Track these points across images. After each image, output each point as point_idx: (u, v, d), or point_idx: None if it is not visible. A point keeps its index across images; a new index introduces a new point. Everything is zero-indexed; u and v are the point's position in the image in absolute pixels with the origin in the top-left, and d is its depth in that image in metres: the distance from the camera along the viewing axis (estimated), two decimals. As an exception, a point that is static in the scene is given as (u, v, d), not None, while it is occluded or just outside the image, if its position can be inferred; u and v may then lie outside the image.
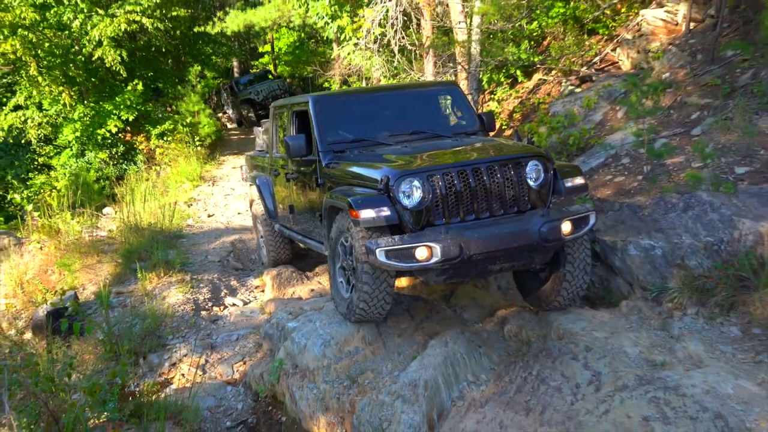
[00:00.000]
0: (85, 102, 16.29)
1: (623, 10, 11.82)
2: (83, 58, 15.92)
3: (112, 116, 16.07)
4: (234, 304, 7.75)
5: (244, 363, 6.29)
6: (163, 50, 19.34)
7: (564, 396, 4.26)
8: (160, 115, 17.69)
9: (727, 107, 7.62)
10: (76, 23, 15.42)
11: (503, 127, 11.57)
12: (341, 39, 14.70)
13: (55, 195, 11.80)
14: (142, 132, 17.24)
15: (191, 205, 13.20)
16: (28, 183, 16.53)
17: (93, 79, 16.80)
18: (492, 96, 12.95)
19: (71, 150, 16.28)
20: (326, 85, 16.81)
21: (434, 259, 4.48)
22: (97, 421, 4.46)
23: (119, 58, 15.31)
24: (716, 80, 8.21)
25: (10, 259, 9.00)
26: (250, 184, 8.58)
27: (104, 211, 12.93)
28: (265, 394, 5.67)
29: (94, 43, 15.36)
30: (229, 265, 9.19)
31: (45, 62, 15.21)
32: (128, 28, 15.66)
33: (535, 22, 12.51)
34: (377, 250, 4.46)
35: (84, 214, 11.11)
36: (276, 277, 7.82)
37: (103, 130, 16.06)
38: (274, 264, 8.22)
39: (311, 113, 6.23)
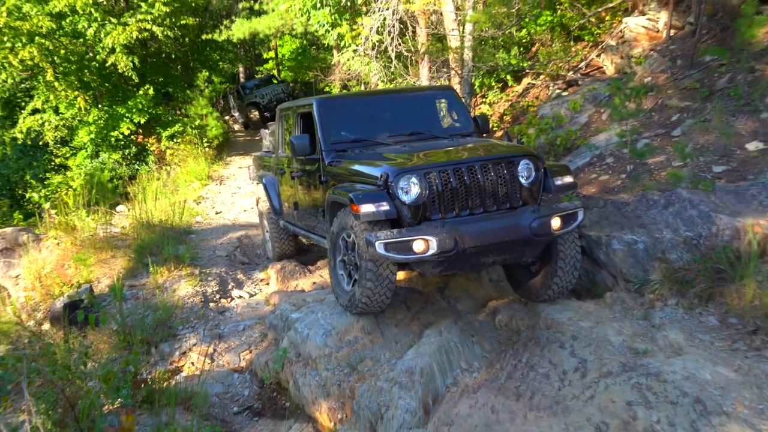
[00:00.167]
0: (99, 106, 16.26)
1: (607, 17, 11.81)
2: (97, 65, 15.89)
3: (125, 119, 16.04)
4: (240, 296, 7.75)
5: (250, 352, 6.29)
6: (173, 57, 19.29)
7: (552, 382, 4.26)
8: (170, 118, 17.65)
9: (706, 109, 7.62)
10: (91, 31, 15.37)
11: (494, 129, 11.55)
12: (341, 46, 14.67)
13: (71, 194, 11.76)
14: (153, 134, 17.21)
15: (200, 203, 13.18)
16: (45, 182, 16.48)
17: (107, 84, 16.76)
18: (484, 99, 12.94)
19: (86, 151, 16.25)
20: (327, 89, 16.82)
21: (430, 252, 4.48)
22: (111, 407, 4.45)
23: (131, 64, 15.28)
24: (695, 84, 8.21)
25: (29, 254, 8.98)
26: (257, 183, 8.57)
27: (117, 208, 12.90)
28: (270, 381, 5.67)
29: (107, 50, 15.33)
30: (235, 260, 9.18)
31: (61, 68, 15.16)
32: (140, 36, 15.63)
33: (524, 30, 12.49)
34: (377, 243, 4.46)
35: (98, 211, 11.07)
36: (280, 271, 7.82)
37: (116, 132, 16.02)
38: (279, 258, 8.22)
39: (315, 115, 6.22)
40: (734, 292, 4.85)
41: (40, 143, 17.16)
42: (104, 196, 13.15)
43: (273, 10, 16.80)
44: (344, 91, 14.92)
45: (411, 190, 4.68)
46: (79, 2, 14.77)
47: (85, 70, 15.81)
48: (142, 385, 4.83)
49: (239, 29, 17.20)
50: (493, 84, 12.89)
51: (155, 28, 15.55)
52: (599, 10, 11.76)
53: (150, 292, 7.62)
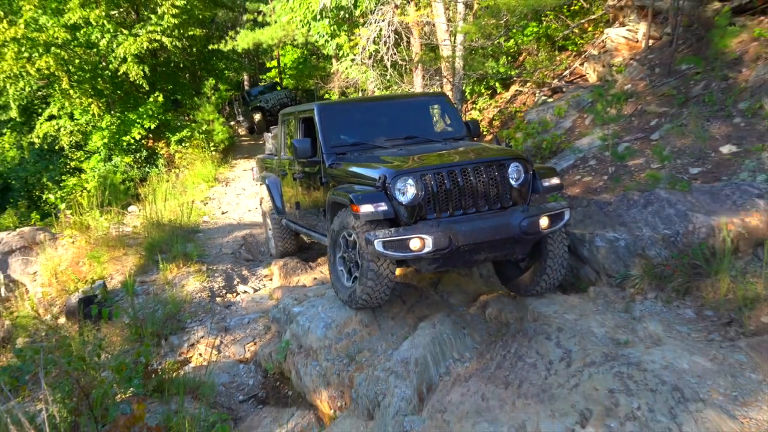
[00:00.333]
0: (112, 112, 16.22)
1: (590, 28, 11.82)
2: (110, 73, 15.85)
3: (136, 125, 16.00)
4: (245, 292, 7.73)
5: (255, 344, 6.28)
6: (181, 66, 19.24)
7: (539, 371, 4.26)
8: (179, 124, 17.62)
9: (682, 115, 7.63)
10: (104, 42, 15.34)
11: (484, 133, 11.55)
12: (340, 55, 14.66)
13: (85, 195, 11.75)
14: (163, 139, 17.17)
15: (207, 203, 13.15)
16: (61, 184, 16.46)
17: (119, 92, 16.72)
18: (474, 105, 12.94)
19: (100, 155, 16.21)
20: (326, 96, 16.79)
21: (426, 250, 4.48)
22: (123, 396, 4.44)
23: (142, 73, 15.25)
24: (672, 91, 8.22)
25: (45, 252, 8.96)
26: (260, 184, 8.53)
27: (129, 209, 12.86)
28: (274, 371, 5.66)
29: (119, 59, 15.29)
30: (240, 257, 9.16)
31: (76, 77, 15.12)
32: (150, 47, 15.60)
33: (512, 40, 12.50)
34: (375, 241, 4.46)
35: (111, 211, 11.04)
36: (283, 267, 7.80)
37: (128, 137, 15.99)
38: (282, 255, 8.19)
39: (316, 119, 6.20)
40: (709, 286, 4.86)
41: (56, 147, 17.13)
42: (116, 197, 13.13)
43: (275, 22, 16.77)
44: (343, 97, 14.91)
45: (407, 191, 4.67)
46: (92, 15, 14.74)
47: (99, 79, 15.77)
48: (153, 376, 4.82)
49: (244, 40, 17.17)
50: (483, 91, 12.90)
51: (164, 39, 15.52)
52: (582, 21, 11.78)
53: (160, 288, 7.60)
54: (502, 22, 10.70)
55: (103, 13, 15.08)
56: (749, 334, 4.36)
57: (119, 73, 15.56)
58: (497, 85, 12.58)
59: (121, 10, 16.87)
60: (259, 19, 21.95)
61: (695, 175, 6.42)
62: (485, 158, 4.97)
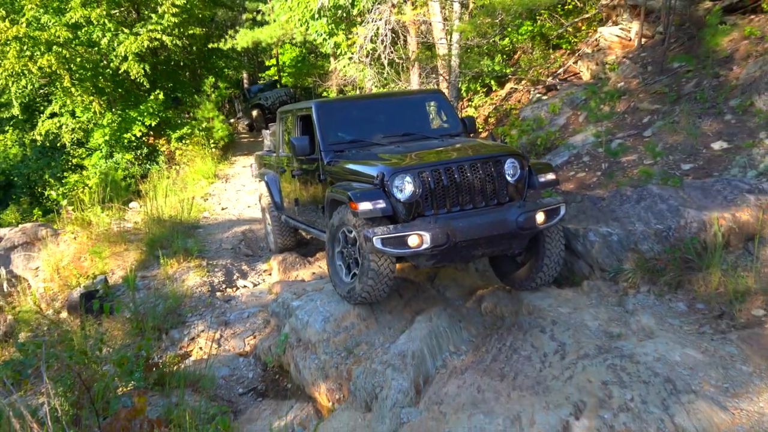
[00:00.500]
0: (113, 110, 16.16)
1: (583, 27, 11.81)
2: (111, 71, 15.79)
3: (137, 122, 15.95)
4: (245, 286, 7.71)
5: (254, 337, 6.26)
6: (182, 64, 19.16)
7: (533, 364, 4.26)
8: (179, 121, 17.57)
9: (674, 112, 7.63)
10: (105, 41, 15.29)
11: (480, 130, 11.54)
12: (337, 53, 14.62)
13: (87, 191, 11.70)
14: (164, 136, 17.12)
15: (207, 199, 13.12)
16: (63, 181, 16.41)
17: (120, 90, 16.66)
18: (470, 103, 12.92)
19: (101, 152, 16.17)
20: (325, 94, 16.75)
21: (424, 246, 4.47)
22: (124, 389, 4.44)
23: (143, 71, 15.20)
24: (664, 88, 8.22)
25: (47, 248, 8.94)
26: (259, 180, 8.50)
27: (130, 205, 12.84)
28: (273, 364, 5.65)
29: (120, 58, 15.24)
30: (240, 252, 9.14)
31: (77, 75, 15.07)
32: (150, 45, 15.54)
33: (507, 39, 12.48)
34: (374, 238, 4.44)
35: (112, 208, 11.02)
36: (282, 262, 7.79)
37: (129, 134, 15.94)
38: (281, 250, 8.17)
39: (314, 117, 6.15)
40: (701, 280, 4.87)
41: (58, 145, 17.07)
42: (118, 193, 13.12)
43: (274, 21, 16.73)
44: (341, 95, 14.88)
45: (405, 188, 4.64)
46: (93, 14, 14.70)
47: (100, 77, 15.72)
48: (154, 369, 4.80)
49: (243, 38, 17.12)
50: (479, 89, 12.89)
51: (165, 38, 15.47)
52: (576, 20, 11.77)
53: (161, 283, 7.58)
54: (497, 21, 10.68)
55: (104, 12, 15.03)
56: (740, 327, 4.36)
57: (120, 72, 15.51)
58: (493, 82, 12.57)
59: (122, 9, 16.80)
60: (258, 18, 21.86)
61: (687, 171, 6.42)
62: (481, 155, 4.95)
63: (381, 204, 4.62)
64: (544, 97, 10.77)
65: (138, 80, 15.40)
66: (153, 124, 16.22)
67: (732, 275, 4.71)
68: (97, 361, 4.66)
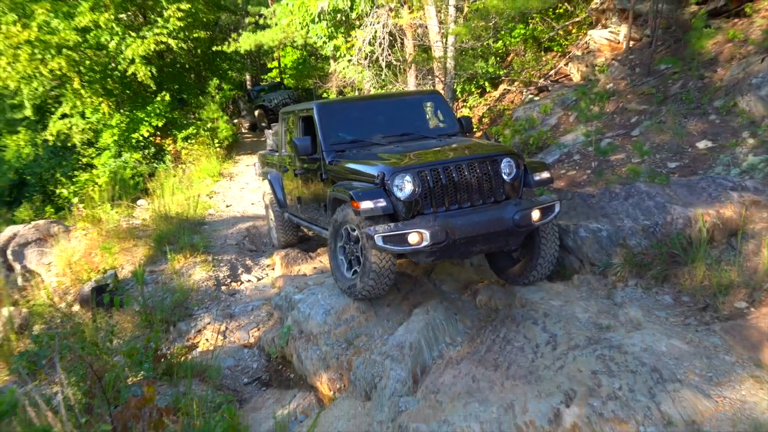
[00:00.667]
0: (121, 111, 16.11)
1: (574, 30, 11.80)
2: (119, 74, 15.73)
3: (144, 123, 15.90)
4: (249, 280, 7.72)
5: (258, 329, 6.28)
6: (187, 66, 19.10)
7: (526, 354, 4.28)
8: (185, 122, 17.50)
9: (661, 112, 7.64)
10: (113, 44, 15.23)
11: (474, 130, 11.53)
12: (337, 56, 14.60)
13: (96, 189, 11.66)
14: (170, 136, 17.06)
15: (212, 197, 13.10)
16: (73, 180, 16.34)
17: (128, 91, 16.60)
18: (464, 104, 12.91)
19: (110, 151, 16.11)
20: (325, 95, 16.71)
21: (424, 243, 4.47)
22: (134, 379, 4.44)
23: (149, 73, 15.14)
24: (651, 90, 8.22)
25: (59, 244, 8.93)
26: (263, 179, 8.48)
27: (138, 202, 12.82)
28: (276, 355, 5.66)
29: (128, 60, 15.19)
30: (244, 248, 9.14)
31: (86, 77, 15.02)
32: (157, 48, 15.48)
33: (500, 41, 12.46)
34: (375, 236, 4.44)
35: (121, 205, 11.01)
36: (284, 257, 7.79)
37: (136, 134, 15.89)
38: (284, 246, 8.16)
39: (316, 118, 6.12)
40: (686, 273, 4.88)
41: (69, 145, 17.00)
42: (126, 191, 13.09)
43: (276, 25, 16.67)
44: (340, 96, 14.86)
45: (405, 187, 4.63)
46: (102, 18, 14.64)
47: (108, 79, 15.67)
48: (162, 360, 4.82)
49: (246, 42, 17.07)
50: (473, 90, 12.87)
51: (171, 41, 15.42)
52: (567, 23, 11.76)
53: (168, 277, 7.59)
54: (491, 24, 10.68)
55: (112, 17, 14.97)
56: (723, 319, 4.38)
57: (128, 74, 15.45)
58: (486, 84, 12.55)
59: (129, 13, 16.74)
60: (261, 21, 21.81)
61: (673, 169, 6.43)
62: (479, 154, 4.94)
63: (382, 203, 4.62)
64: (536, 98, 10.76)
65: (145, 82, 15.35)
66: (160, 124, 16.17)
67: (716, 269, 4.73)
68: (107, 352, 4.68)
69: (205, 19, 18.19)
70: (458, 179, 4.75)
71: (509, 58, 12.89)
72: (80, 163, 17.19)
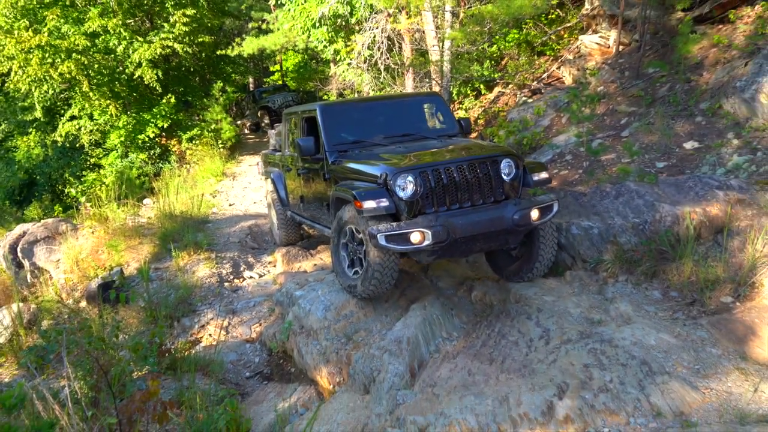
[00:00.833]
0: (128, 112, 16.08)
1: (566, 35, 11.78)
2: (126, 77, 15.72)
3: (150, 124, 15.89)
4: (251, 277, 7.69)
5: (260, 325, 6.25)
6: (192, 70, 19.09)
7: (520, 348, 4.26)
8: (190, 123, 17.49)
9: (650, 114, 7.62)
10: (120, 48, 15.21)
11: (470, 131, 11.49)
12: (337, 59, 14.57)
13: (104, 189, 11.63)
14: (175, 137, 17.05)
15: (215, 196, 13.07)
16: (81, 179, 16.33)
17: (134, 94, 16.58)
18: (460, 106, 12.88)
19: (117, 152, 16.10)
20: (325, 97, 16.68)
21: (426, 242, 4.42)
22: (139, 373, 4.42)
23: (156, 76, 15.13)
24: (640, 92, 8.20)
25: (67, 242, 8.90)
26: (266, 178, 8.40)
27: (144, 201, 12.79)
28: (277, 350, 5.64)
29: (135, 64, 15.17)
30: (247, 245, 9.11)
31: (95, 80, 15.00)
32: (163, 52, 15.47)
33: (495, 46, 12.43)
34: (378, 235, 4.39)
35: (128, 204, 10.97)
36: (285, 254, 7.76)
37: (143, 135, 15.88)
38: (286, 244, 8.10)
39: (319, 119, 6.04)
40: (674, 269, 4.87)
41: (77, 145, 17.00)
42: (132, 190, 13.05)
43: (278, 29, 16.62)
44: (341, 98, 14.83)
45: (407, 187, 4.58)
46: (110, 23, 14.63)
47: (116, 82, 15.65)
48: (166, 354, 4.80)
49: (249, 46, 17.02)
50: (469, 92, 12.84)
51: (176, 45, 15.40)
52: (559, 28, 11.74)
53: (173, 274, 7.56)
54: (485, 29, 10.64)
55: (120, 22, 14.96)
56: (710, 313, 4.37)
57: (135, 77, 15.44)
58: (482, 86, 12.53)
59: (137, 18, 16.71)
60: (263, 26, 21.77)
61: (661, 168, 6.41)
62: (479, 155, 4.88)
63: (384, 202, 4.57)
64: (530, 100, 10.74)
65: (151, 85, 15.34)
66: (165, 125, 16.16)
67: (703, 265, 4.72)
68: (113, 347, 4.65)
69: (209, 24, 18.16)
70: (459, 179, 4.69)
71: (504, 62, 12.86)
72: (88, 163, 17.19)
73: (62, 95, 16.64)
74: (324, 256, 7.67)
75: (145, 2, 16.47)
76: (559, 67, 11.17)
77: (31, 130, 18.33)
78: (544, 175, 5.11)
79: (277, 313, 6.22)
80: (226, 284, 7.34)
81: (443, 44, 10.61)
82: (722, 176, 5.73)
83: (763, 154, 5.96)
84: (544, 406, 3.52)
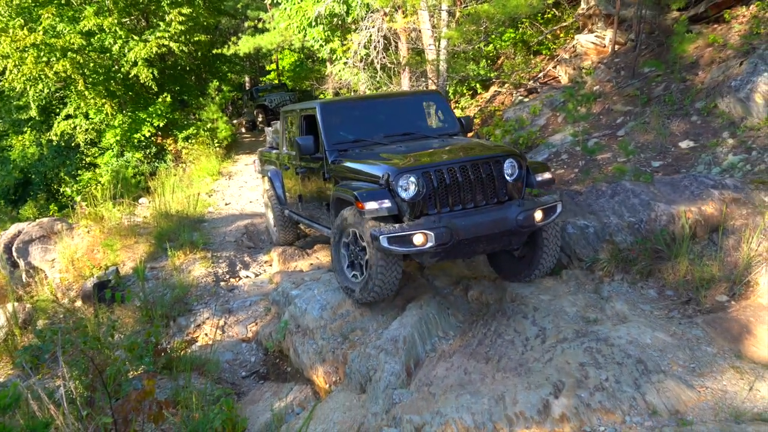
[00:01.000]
0: (124, 111, 16.03)
1: (562, 35, 11.79)
2: (122, 76, 15.66)
3: (146, 123, 15.84)
4: (247, 276, 7.67)
5: (256, 324, 6.23)
6: (188, 69, 19.03)
7: (516, 347, 4.26)
8: (186, 122, 17.44)
9: (645, 113, 7.64)
10: (116, 47, 15.16)
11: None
12: (333, 59, 14.56)
13: (99, 188, 11.58)
14: (171, 136, 17.00)
15: (211, 195, 13.03)
16: (77, 178, 16.27)
17: (130, 93, 16.53)
18: (456, 105, 12.88)
19: (112, 151, 16.04)
20: (321, 96, 16.66)
21: (429, 244, 4.35)
22: (135, 373, 4.41)
23: (151, 75, 15.08)
24: (636, 92, 8.22)
25: (63, 241, 8.87)
26: (263, 176, 8.29)
27: (140, 201, 12.74)
28: (274, 349, 5.62)
29: (130, 63, 15.12)
30: (243, 244, 9.08)
31: (90, 79, 14.94)
32: (158, 51, 15.41)
33: (491, 45, 12.44)
34: (381, 237, 4.32)
35: (123, 203, 10.93)
36: (282, 254, 7.73)
37: (138, 134, 15.83)
38: (284, 243, 8.01)
39: (318, 118, 5.92)
40: (670, 268, 4.88)
41: (73, 144, 16.94)
42: (128, 190, 12.99)
43: (274, 28, 16.61)
44: (339, 96, 14.82)
45: (410, 187, 4.50)
46: (106, 22, 14.57)
47: (111, 81, 15.59)
48: (162, 354, 4.78)
49: (245, 45, 17.00)
50: (465, 91, 12.85)
51: (172, 44, 15.35)
52: (555, 28, 11.75)
53: (168, 273, 7.53)
54: (482, 28, 10.65)
55: (116, 21, 14.90)
56: (705, 312, 4.38)
57: (130, 76, 15.38)
58: (478, 86, 12.54)
59: (132, 17, 16.66)
60: (259, 25, 21.72)
61: (657, 167, 6.43)
62: (482, 155, 4.80)
63: (386, 203, 4.49)
64: (526, 100, 10.75)
65: (147, 84, 15.29)
66: (161, 124, 16.11)
67: (698, 264, 4.73)
68: (109, 347, 4.63)
69: (205, 23, 18.11)
70: (462, 180, 4.62)
71: (500, 61, 12.87)
72: (83, 162, 17.13)
73: (57, 94, 16.59)
74: (320, 255, 7.66)
75: (141, 1, 16.42)
76: (555, 67, 11.18)
77: (26, 129, 18.26)
78: (547, 175, 5.02)
79: (273, 312, 6.21)
80: (222, 283, 7.32)
81: (439, 43, 10.61)
82: (717, 175, 5.75)
83: (758, 154, 5.98)
84: (540, 404, 3.52)
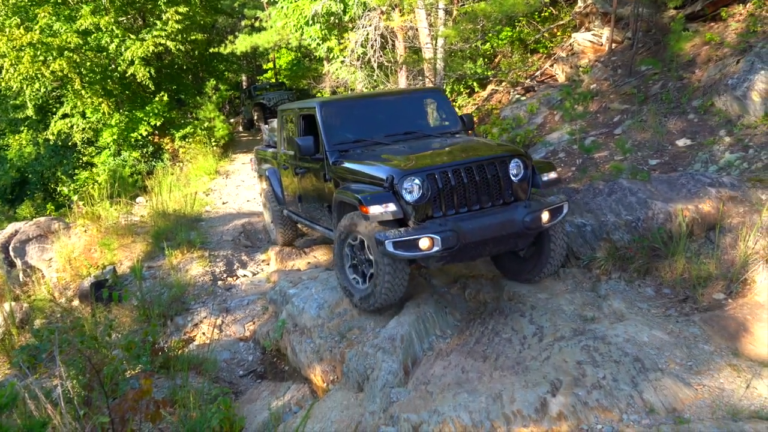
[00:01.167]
0: (121, 110, 16.00)
1: (559, 33, 11.80)
2: (118, 75, 15.63)
3: (143, 122, 15.81)
4: (245, 275, 7.66)
5: (254, 323, 6.23)
6: (185, 68, 19.00)
7: (514, 345, 4.26)
8: (183, 121, 17.41)
9: (642, 111, 7.65)
10: (113, 46, 15.12)
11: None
12: (330, 57, 14.54)
13: (96, 187, 11.54)
14: (168, 135, 16.97)
15: (208, 194, 13.01)
16: (74, 178, 16.23)
17: (127, 92, 16.49)
18: (454, 103, 12.88)
19: (109, 150, 16.01)
20: (319, 95, 16.65)
21: (435, 248, 4.24)
22: (132, 372, 4.40)
23: (148, 74, 15.04)
24: (633, 90, 8.22)
25: (60, 240, 8.85)
26: (260, 176, 8.16)
27: (137, 200, 12.72)
28: (271, 348, 5.61)
29: (127, 62, 15.09)
30: (240, 243, 9.06)
31: (87, 78, 14.91)
32: (155, 50, 15.39)
33: (488, 43, 12.44)
34: (386, 242, 4.21)
35: (120, 202, 10.91)
36: (279, 252, 7.72)
37: (135, 133, 15.80)
38: (283, 243, 7.90)
39: (318, 117, 5.77)
40: (667, 266, 4.88)
41: (70, 144, 16.90)
42: (125, 189, 12.97)
43: (271, 27, 16.60)
44: (337, 94, 14.81)
45: (414, 190, 4.40)
46: (102, 21, 14.54)
47: (108, 80, 15.57)
48: (160, 353, 4.76)
49: (242, 43, 16.98)
50: (462, 90, 12.85)
51: (169, 43, 15.32)
52: (552, 26, 11.76)
53: (166, 272, 7.52)
54: (479, 27, 10.65)
55: (113, 20, 14.87)
56: (702, 310, 4.38)
57: (127, 75, 15.36)
58: (475, 84, 12.54)
59: (129, 16, 16.63)
60: (256, 24, 21.69)
61: (654, 166, 6.43)
62: (487, 156, 4.68)
63: (391, 207, 4.37)
64: (523, 98, 10.75)
65: (144, 83, 15.26)
66: (158, 124, 16.08)
67: (695, 262, 4.73)
68: (106, 346, 4.63)
69: (202, 22, 18.09)
70: (467, 181, 4.51)
71: (497, 60, 12.87)
72: (80, 161, 17.09)
73: (54, 93, 16.54)
74: (318, 254, 7.66)
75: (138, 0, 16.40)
76: (552, 65, 11.19)
77: (22, 128, 18.22)
78: (553, 175, 4.93)
79: (270, 311, 6.20)
80: (219, 282, 7.31)
81: (436, 42, 10.62)
82: (714, 173, 5.75)
83: (754, 151, 5.99)
84: (537, 403, 3.52)
